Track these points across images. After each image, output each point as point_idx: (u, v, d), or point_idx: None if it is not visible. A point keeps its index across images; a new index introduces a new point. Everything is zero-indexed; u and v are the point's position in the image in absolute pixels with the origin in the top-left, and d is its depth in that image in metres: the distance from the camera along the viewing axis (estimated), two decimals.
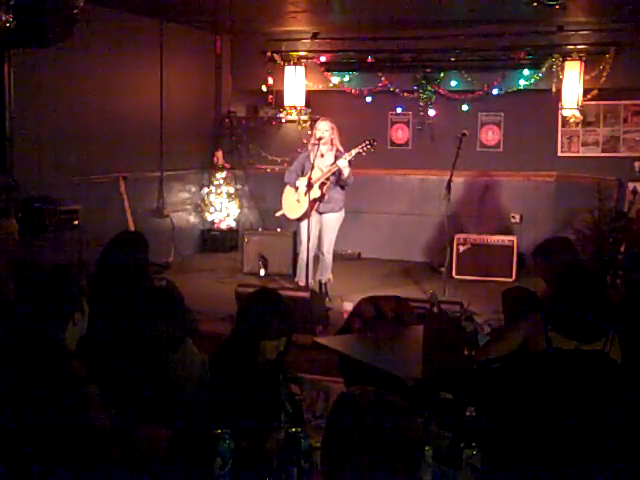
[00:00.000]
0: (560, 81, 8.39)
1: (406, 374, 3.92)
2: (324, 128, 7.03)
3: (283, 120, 9.63)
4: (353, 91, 9.32)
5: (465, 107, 9.00)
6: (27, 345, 2.59)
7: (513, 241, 8.39)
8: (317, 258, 7.37)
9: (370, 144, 7.03)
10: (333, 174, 7.04)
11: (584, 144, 8.74)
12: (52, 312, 2.70)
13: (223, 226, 9.81)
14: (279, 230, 8.52)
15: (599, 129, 8.65)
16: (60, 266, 2.93)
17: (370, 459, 1.77)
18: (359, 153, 7.03)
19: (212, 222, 9.82)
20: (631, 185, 8.01)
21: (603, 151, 8.64)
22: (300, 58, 9.35)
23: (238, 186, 9.94)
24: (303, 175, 7.15)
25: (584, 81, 8.28)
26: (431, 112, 9.14)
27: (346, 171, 6.98)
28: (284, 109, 9.41)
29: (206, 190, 9.78)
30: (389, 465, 1.77)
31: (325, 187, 7.06)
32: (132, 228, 7.85)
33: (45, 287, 2.78)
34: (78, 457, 2.34)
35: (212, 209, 9.75)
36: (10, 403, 2.38)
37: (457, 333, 4.09)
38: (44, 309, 2.70)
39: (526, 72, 8.65)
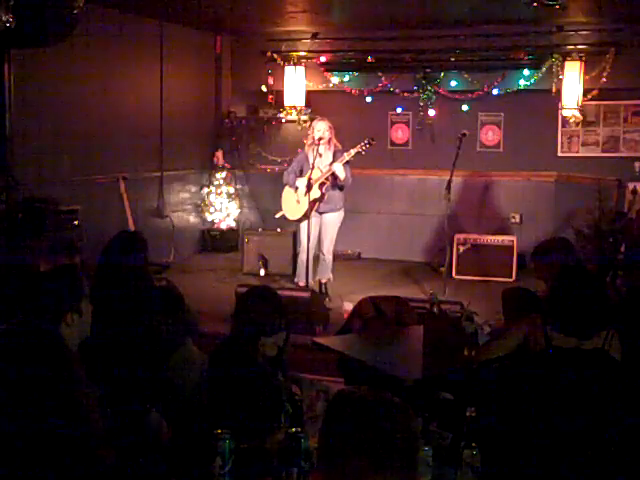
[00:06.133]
0: (560, 81, 8.39)
1: (406, 374, 3.92)
2: (324, 128, 7.03)
3: (283, 120, 9.63)
4: (353, 91, 9.32)
5: (465, 107, 9.00)
6: (27, 343, 2.59)
7: (513, 241, 8.39)
8: (317, 258, 7.36)
9: (369, 143, 7.03)
10: (332, 174, 7.04)
11: (584, 144, 8.74)
12: (42, 312, 2.69)
13: (223, 226, 9.80)
14: (279, 230, 8.52)
15: (599, 129, 8.65)
16: (58, 267, 2.93)
17: (367, 458, 1.77)
18: (358, 152, 7.03)
19: (212, 222, 9.82)
20: (631, 185, 8.01)
21: (603, 151, 8.65)
22: (300, 58, 9.34)
23: (238, 186, 9.94)
24: (302, 176, 7.15)
25: (584, 81, 8.28)
26: (431, 112, 9.14)
27: (342, 175, 6.97)
28: (284, 109, 9.41)
29: (206, 190, 9.78)
30: (387, 464, 1.77)
31: (324, 187, 7.06)
32: (132, 228, 7.86)
33: (38, 288, 2.77)
34: (76, 457, 2.34)
35: (212, 209, 9.75)
36: (7, 402, 2.37)
37: (457, 333, 4.10)
38: (35, 309, 2.70)
39: (526, 72, 8.65)
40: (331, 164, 7.03)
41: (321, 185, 7.03)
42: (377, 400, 1.84)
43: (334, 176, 7.03)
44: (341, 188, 7.16)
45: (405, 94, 9.16)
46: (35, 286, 2.79)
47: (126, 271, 4.14)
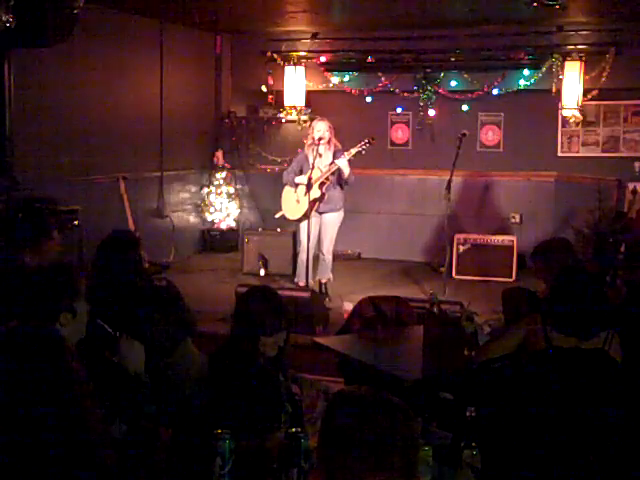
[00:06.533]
0: (560, 81, 8.39)
1: (406, 374, 3.92)
2: (324, 128, 7.03)
3: (283, 120, 9.63)
4: (353, 91, 9.32)
5: (465, 107, 9.00)
6: (29, 345, 2.58)
7: (513, 241, 8.39)
8: (317, 258, 7.36)
9: (369, 142, 7.03)
10: (332, 173, 7.04)
11: (584, 144, 8.74)
12: (37, 312, 2.67)
13: (223, 226, 9.80)
14: (279, 230, 8.52)
15: (599, 129, 8.65)
16: (53, 266, 2.90)
17: (367, 457, 1.77)
18: (359, 152, 7.03)
19: (212, 222, 9.82)
20: (631, 185, 8.01)
21: (603, 151, 8.64)
22: (300, 58, 9.35)
23: (238, 186, 9.94)
24: (302, 175, 7.15)
25: (584, 81, 8.28)
26: (431, 112, 9.14)
27: (346, 170, 6.98)
28: (284, 109, 9.41)
29: (206, 190, 9.78)
30: (386, 463, 1.77)
31: (324, 187, 7.06)
32: (132, 228, 7.86)
33: (29, 288, 2.75)
34: (77, 457, 2.34)
35: (212, 209, 9.75)
36: (9, 401, 2.37)
37: (457, 333, 4.09)
38: (29, 310, 2.67)
39: (526, 72, 8.65)
40: (331, 163, 7.03)
41: (321, 185, 7.03)
42: (376, 400, 1.84)
43: (339, 173, 7.03)
44: (342, 186, 7.16)
45: (405, 94, 9.16)
46: (29, 286, 2.77)
47: (119, 271, 4.12)
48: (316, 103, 9.39)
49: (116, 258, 4.17)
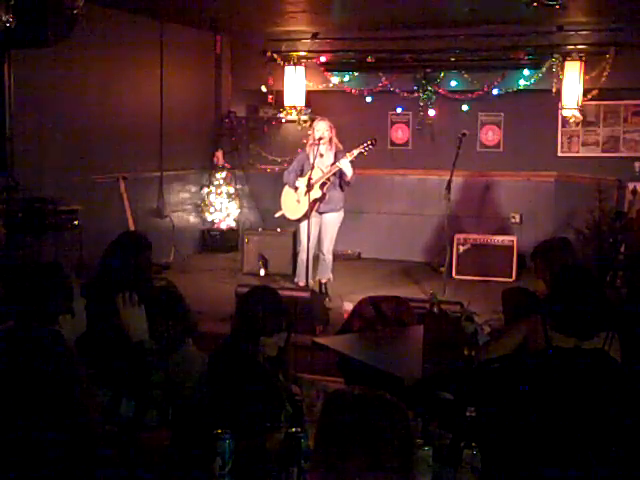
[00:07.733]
0: (560, 81, 8.39)
1: (406, 374, 3.92)
2: (324, 128, 7.03)
3: (283, 120, 9.63)
4: (353, 91, 9.32)
5: (465, 107, 9.00)
6: (26, 342, 2.58)
7: (513, 241, 8.39)
8: (317, 258, 7.36)
9: (371, 143, 7.04)
10: (334, 174, 7.03)
11: (584, 144, 8.74)
12: (32, 315, 2.65)
13: (223, 226, 9.80)
14: (279, 230, 8.51)
15: (599, 129, 8.65)
16: (42, 268, 2.87)
17: (363, 457, 1.77)
18: (361, 153, 7.03)
19: (212, 222, 9.82)
20: (631, 185, 8.01)
21: (603, 151, 8.65)
22: (300, 58, 9.35)
23: (238, 186, 9.94)
24: (302, 176, 7.15)
25: (584, 81, 8.28)
26: (431, 112, 9.14)
27: (349, 172, 6.97)
28: (284, 109, 9.41)
29: (206, 190, 9.78)
30: (383, 462, 1.77)
31: (326, 187, 7.06)
32: (132, 228, 7.86)
33: (25, 289, 2.73)
34: (75, 457, 2.34)
35: (212, 209, 9.75)
36: (11, 400, 2.37)
37: (457, 333, 4.09)
38: (24, 312, 2.66)
39: (526, 72, 8.66)
40: (333, 164, 7.03)
41: (322, 185, 7.03)
42: (372, 399, 1.84)
43: (340, 174, 7.03)
44: (342, 188, 7.16)
45: (405, 94, 9.16)
46: (24, 290, 2.74)
47: (129, 272, 4.12)
48: (316, 103, 9.39)
49: (128, 259, 4.15)
